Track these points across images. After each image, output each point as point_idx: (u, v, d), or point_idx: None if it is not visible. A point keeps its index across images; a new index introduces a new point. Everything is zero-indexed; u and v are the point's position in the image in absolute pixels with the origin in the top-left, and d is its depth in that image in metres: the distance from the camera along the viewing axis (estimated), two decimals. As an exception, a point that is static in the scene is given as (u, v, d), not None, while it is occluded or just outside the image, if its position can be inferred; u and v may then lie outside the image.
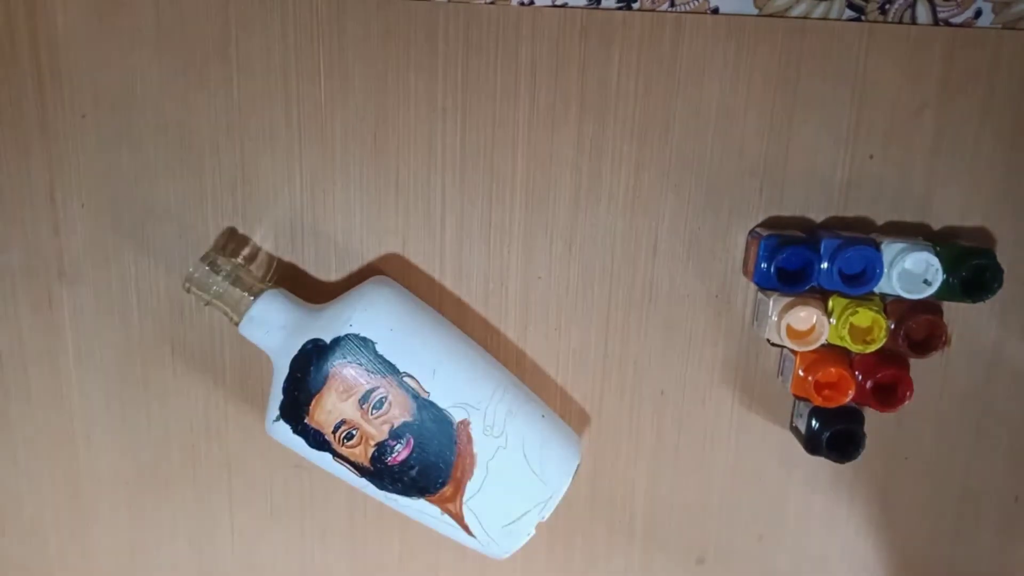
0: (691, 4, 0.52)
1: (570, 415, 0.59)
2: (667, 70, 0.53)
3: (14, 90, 0.53)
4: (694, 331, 0.57)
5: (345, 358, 0.49)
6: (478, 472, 0.51)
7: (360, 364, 0.49)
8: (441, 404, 0.50)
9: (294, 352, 0.49)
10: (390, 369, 0.49)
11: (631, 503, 0.60)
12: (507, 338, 0.57)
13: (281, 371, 0.50)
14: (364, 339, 0.49)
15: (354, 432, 0.50)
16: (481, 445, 0.51)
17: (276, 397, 0.50)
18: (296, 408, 0.49)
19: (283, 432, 0.50)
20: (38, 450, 0.59)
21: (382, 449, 0.50)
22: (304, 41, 0.52)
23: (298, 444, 0.50)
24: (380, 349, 0.49)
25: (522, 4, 0.52)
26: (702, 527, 0.61)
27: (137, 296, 0.56)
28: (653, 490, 0.60)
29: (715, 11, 0.52)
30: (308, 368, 0.49)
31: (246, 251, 0.55)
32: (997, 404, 0.58)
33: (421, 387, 0.50)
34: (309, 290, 0.55)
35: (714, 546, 0.61)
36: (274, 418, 0.50)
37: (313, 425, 0.50)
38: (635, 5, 0.52)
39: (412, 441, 0.50)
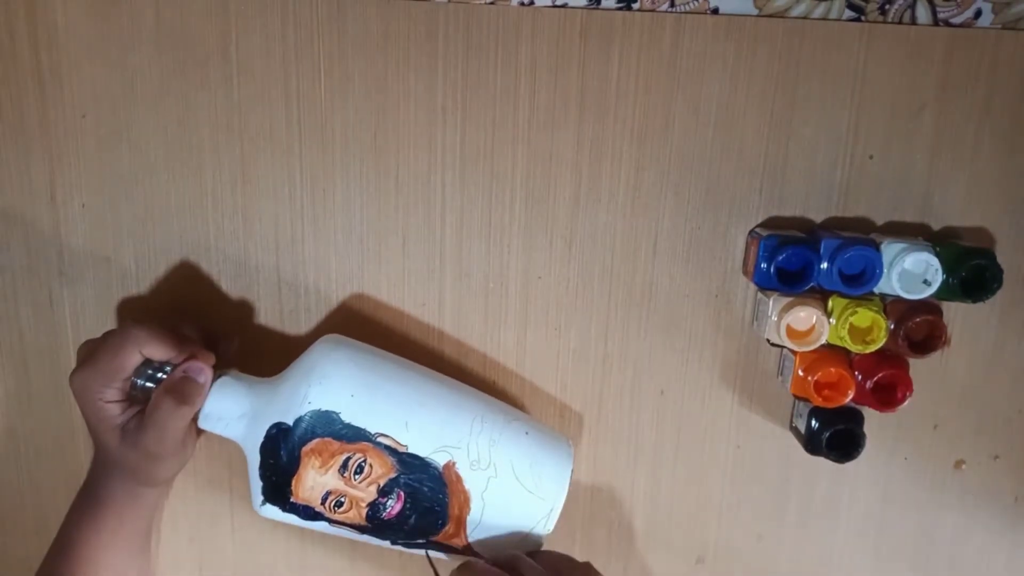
0: (691, 4, 0.52)
1: (569, 415, 0.59)
2: (667, 70, 0.53)
3: (14, 90, 0.53)
4: (694, 331, 0.57)
5: (312, 435, 0.48)
6: (475, 505, 0.50)
7: (329, 437, 0.48)
8: (422, 453, 0.49)
9: (260, 439, 0.48)
10: (361, 434, 0.48)
11: (631, 503, 0.60)
12: (507, 338, 0.57)
13: (253, 458, 0.49)
14: (326, 412, 0.48)
15: (343, 499, 0.49)
16: (471, 480, 0.49)
17: (256, 483, 0.49)
18: (278, 491, 0.49)
19: (273, 512, 0.49)
20: (38, 450, 0.59)
21: (375, 508, 0.49)
22: (304, 41, 0.52)
23: (291, 519, 0.50)
24: (346, 418, 0.48)
25: (522, 4, 0.52)
26: (702, 527, 0.61)
27: (137, 296, 0.56)
28: (653, 490, 0.60)
29: (715, 11, 0.52)
30: (278, 453, 0.48)
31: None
32: (997, 404, 0.58)
33: (397, 442, 0.49)
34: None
35: (714, 546, 0.61)
36: (260, 503, 0.49)
37: (300, 502, 0.49)
38: (635, 5, 0.52)
39: (402, 494, 0.49)
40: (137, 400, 0.49)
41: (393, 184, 0.55)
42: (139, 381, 0.49)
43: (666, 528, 0.61)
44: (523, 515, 0.50)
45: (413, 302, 0.56)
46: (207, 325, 0.55)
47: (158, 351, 0.48)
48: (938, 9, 0.52)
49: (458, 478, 0.49)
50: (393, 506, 0.49)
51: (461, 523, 0.50)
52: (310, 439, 0.48)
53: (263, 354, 0.57)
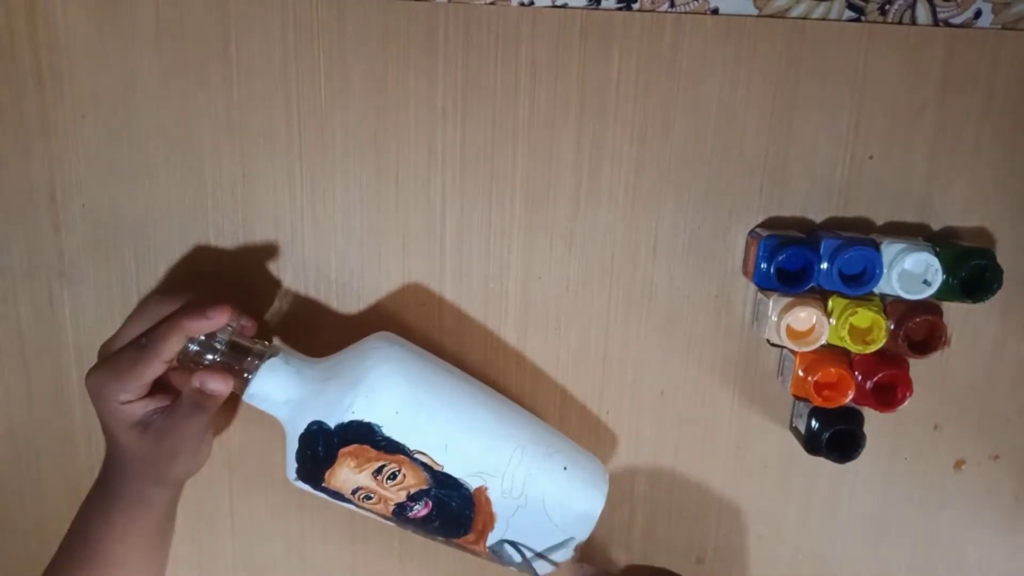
0: (691, 4, 0.52)
1: (570, 415, 0.59)
2: (667, 70, 0.53)
3: (14, 90, 0.53)
4: (694, 331, 0.57)
5: (351, 442, 0.48)
6: (499, 526, 0.51)
7: (367, 445, 0.48)
8: (456, 475, 0.49)
9: (300, 429, 0.48)
10: (399, 448, 0.48)
11: (631, 503, 0.60)
12: (507, 339, 0.57)
13: (292, 440, 0.49)
14: (368, 424, 0.48)
15: (372, 495, 0.50)
16: (500, 505, 0.50)
17: (291, 461, 0.49)
18: (311, 476, 0.49)
19: (304, 486, 0.50)
20: (38, 450, 0.59)
21: (402, 507, 0.50)
22: (304, 41, 0.52)
23: (320, 495, 0.51)
24: (387, 432, 0.48)
25: (522, 4, 0.52)
26: (702, 527, 0.61)
27: (137, 296, 0.56)
28: (653, 490, 0.60)
29: (715, 11, 0.52)
30: (316, 448, 0.48)
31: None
32: (997, 404, 0.58)
33: (434, 461, 0.49)
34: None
35: (714, 546, 0.61)
36: (293, 476, 0.50)
37: (331, 487, 0.49)
38: (635, 5, 0.52)
39: (430, 503, 0.50)
40: (187, 366, 0.49)
41: (393, 184, 0.55)
42: (192, 347, 0.49)
43: (666, 528, 0.61)
44: (545, 539, 0.51)
45: (413, 302, 0.56)
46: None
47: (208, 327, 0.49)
48: (938, 9, 0.52)
49: (487, 501, 0.50)
50: (420, 510, 0.50)
51: (483, 536, 0.51)
52: (348, 444, 0.48)
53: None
